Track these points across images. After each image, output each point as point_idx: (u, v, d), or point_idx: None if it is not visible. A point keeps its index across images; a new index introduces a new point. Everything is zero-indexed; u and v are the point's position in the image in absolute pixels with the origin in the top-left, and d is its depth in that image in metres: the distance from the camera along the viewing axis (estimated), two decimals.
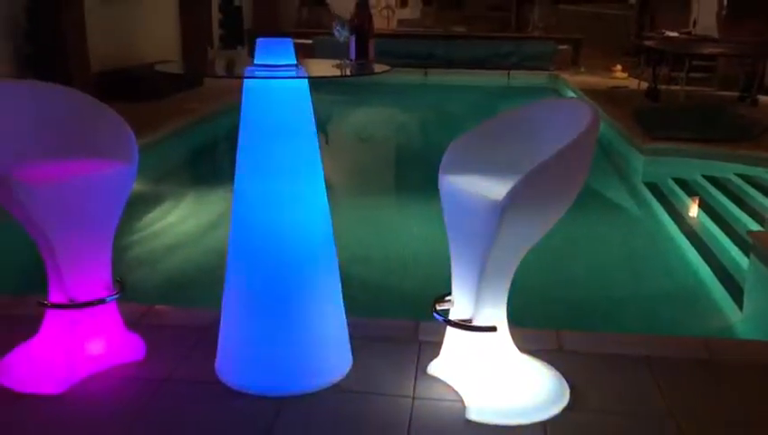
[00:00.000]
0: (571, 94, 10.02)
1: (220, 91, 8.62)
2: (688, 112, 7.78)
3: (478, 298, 2.08)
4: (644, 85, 9.41)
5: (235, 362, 2.26)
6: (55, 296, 2.22)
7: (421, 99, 11.23)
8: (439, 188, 2.18)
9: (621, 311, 3.59)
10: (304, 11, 13.69)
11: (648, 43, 9.53)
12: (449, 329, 2.26)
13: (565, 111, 2.14)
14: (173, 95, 8.39)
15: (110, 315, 2.33)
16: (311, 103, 2.15)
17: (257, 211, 2.15)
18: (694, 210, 5.19)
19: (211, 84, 9.14)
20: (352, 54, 2.18)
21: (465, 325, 2.13)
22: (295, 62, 2.09)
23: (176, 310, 2.79)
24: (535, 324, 2.69)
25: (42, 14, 6.68)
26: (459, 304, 2.19)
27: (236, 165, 2.16)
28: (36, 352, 2.27)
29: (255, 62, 2.07)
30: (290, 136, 2.11)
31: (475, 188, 2.06)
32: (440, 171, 2.18)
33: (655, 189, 5.67)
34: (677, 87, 8.71)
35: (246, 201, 2.16)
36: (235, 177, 2.17)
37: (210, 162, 7.51)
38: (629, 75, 10.95)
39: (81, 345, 2.24)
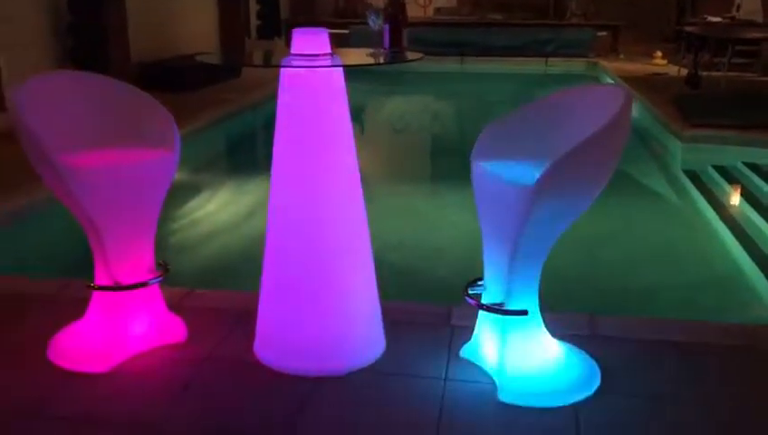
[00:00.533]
0: (610, 81, 9.89)
1: (257, 82, 8.73)
2: (729, 99, 7.63)
3: (510, 282, 2.11)
4: (684, 72, 9.24)
5: (272, 343, 2.33)
6: (101, 279, 2.32)
7: (458, 87, 11.19)
8: (471, 173, 2.21)
9: (660, 298, 3.57)
10: (341, 1, 13.74)
11: (688, 28, 9.35)
12: (481, 313, 2.30)
13: (598, 96, 2.15)
14: (211, 86, 8.52)
15: (154, 298, 2.42)
16: (345, 91, 2.20)
17: (293, 197, 2.21)
18: (734, 198, 5.11)
19: (248, 75, 9.26)
20: (386, 43, 2.22)
21: (496, 309, 2.16)
22: (330, 51, 2.14)
23: (215, 293, 2.87)
24: (573, 309, 2.71)
25: (84, 8, 6.85)
26: (491, 288, 2.22)
27: (273, 152, 2.22)
28: (84, 332, 2.37)
29: (292, 51, 2.13)
30: (325, 124, 2.17)
31: (507, 173, 2.09)
32: (472, 157, 2.21)
33: (694, 177, 5.60)
34: (719, 73, 8.53)
35: (283, 188, 2.22)
36: (272, 164, 2.23)
37: (248, 151, 7.63)
38: (669, 62, 10.76)
39: (125, 326, 2.33)
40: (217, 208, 5.23)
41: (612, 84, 2.06)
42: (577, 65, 11.82)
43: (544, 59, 12.03)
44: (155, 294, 2.43)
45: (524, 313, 2.12)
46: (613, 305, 3.35)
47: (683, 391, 2.19)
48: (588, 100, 2.17)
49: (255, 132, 8.17)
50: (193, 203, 5.16)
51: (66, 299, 2.76)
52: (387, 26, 2.20)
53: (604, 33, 12.52)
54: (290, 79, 2.13)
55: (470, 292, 2.26)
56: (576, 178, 1.96)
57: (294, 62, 2.09)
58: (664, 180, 6.02)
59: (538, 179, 1.92)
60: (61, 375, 2.25)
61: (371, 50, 2.29)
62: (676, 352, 2.40)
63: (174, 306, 2.58)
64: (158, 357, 2.36)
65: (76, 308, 2.53)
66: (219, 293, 2.88)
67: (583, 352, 2.33)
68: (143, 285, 2.33)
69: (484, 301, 2.23)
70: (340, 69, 2.15)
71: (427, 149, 7.92)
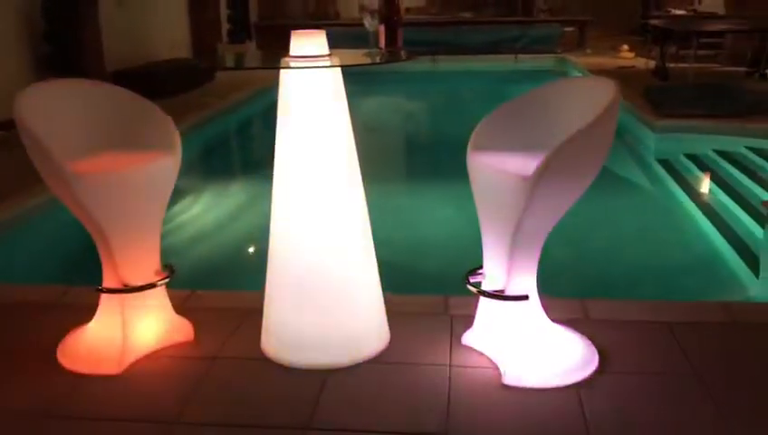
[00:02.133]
0: (578, 75, 10.08)
1: (231, 86, 8.76)
2: (697, 89, 7.85)
3: (510, 269, 2.20)
4: (651, 64, 9.46)
5: (279, 338, 2.39)
6: (109, 282, 2.36)
7: (431, 85, 11.31)
8: (468, 165, 2.29)
9: (641, 283, 3.70)
10: (311, 3, 13.76)
11: (654, 22, 9.57)
12: (482, 300, 2.38)
13: (587, 88, 2.26)
14: (187, 92, 8.50)
15: (160, 299, 2.47)
16: (344, 91, 2.26)
17: (296, 196, 2.27)
18: (707, 184, 5.29)
19: (222, 80, 9.27)
20: (381, 43, 2.30)
21: (498, 295, 2.25)
22: (329, 52, 2.21)
23: (216, 294, 2.92)
24: (558, 295, 2.80)
25: (58, 16, 6.82)
26: (491, 276, 2.31)
27: (276, 151, 2.28)
28: (94, 335, 2.41)
29: (291, 53, 2.19)
30: (325, 123, 2.23)
31: (504, 164, 2.17)
32: (469, 149, 2.29)
33: (667, 165, 5.77)
34: (686, 65, 8.76)
35: (285, 186, 2.28)
36: (275, 162, 2.29)
37: (232, 152, 7.69)
38: (637, 55, 10.99)
39: (135, 328, 2.37)
40: (207, 209, 5.26)
41: (601, 77, 2.16)
42: (546, 61, 12.02)
43: (514, 55, 12.20)
44: (162, 295, 2.47)
45: (525, 298, 2.21)
46: (597, 290, 3.46)
47: (676, 367, 2.29)
48: (578, 91, 2.27)
49: (238, 133, 8.24)
50: (183, 206, 5.17)
51: (67, 305, 2.79)
52: (382, 27, 2.27)
53: (571, 29, 12.75)
54: (290, 80, 2.20)
55: (471, 280, 2.34)
56: (572, 167, 2.05)
57: (294, 64, 2.15)
58: (639, 170, 6.19)
59: (535, 170, 2.01)
60: (74, 378, 2.29)
61: (368, 50, 2.36)
62: (666, 331, 2.51)
63: (177, 308, 2.62)
64: (169, 357, 2.41)
65: (78, 313, 2.57)
66: (220, 293, 2.92)
67: (579, 334, 2.43)
68: (151, 286, 2.37)
69: (484, 288, 2.32)
70: (339, 69, 2.22)
71: (405, 146, 8.00)
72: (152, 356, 2.40)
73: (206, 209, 5.28)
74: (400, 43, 2.29)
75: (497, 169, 2.17)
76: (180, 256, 4.18)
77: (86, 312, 2.52)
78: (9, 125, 5.84)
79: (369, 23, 2.26)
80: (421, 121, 9.40)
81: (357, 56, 2.30)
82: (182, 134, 2.41)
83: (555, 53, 12.21)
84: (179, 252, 4.29)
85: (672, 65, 8.88)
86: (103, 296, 2.40)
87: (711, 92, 7.47)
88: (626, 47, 11.35)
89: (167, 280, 2.43)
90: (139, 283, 2.36)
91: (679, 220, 4.83)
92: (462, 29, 12.77)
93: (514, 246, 2.15)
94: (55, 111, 2.31)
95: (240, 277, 3.77)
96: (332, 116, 2.22)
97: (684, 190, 5.18)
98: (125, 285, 2.33)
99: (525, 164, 2.11)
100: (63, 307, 2.79)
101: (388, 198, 5.34)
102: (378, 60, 2.28)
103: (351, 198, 2.31)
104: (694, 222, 4.66)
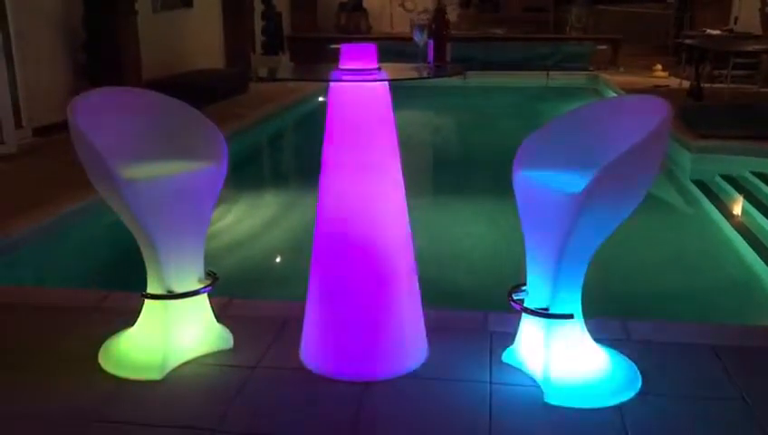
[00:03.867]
0: (612, 94, 10.01)
1: (264, 97, 8.83)
2: (734, 110, 7.75)
3: (555, 287, 2.18)
4: (685, 84, 9.36)
5: (320, 350, 2.39)
6: (153, 288, 2.38)
7: (462, 101, 11.29)
8: (513, 183, 2.29)
9: (677, 304, 3.64)
10: (343, 16, 13.83)
11: (688, 41, 9.48)
12: (524, 317, 2.37)
13: (634, 107, 2.24)
14: (220, 102, 8.59)
15: (202, 306, 2.48)
16: (391, 104, 2.27)
17: (342, 208, 2.28)
18: (745, 206, 5.20)
19: (254, 91, 9.36)
20: (430, 57, 2.30)
21: (542, 313, 2.23)
22: (377, 66, 2.22)
23: (254, 302, 2.93)
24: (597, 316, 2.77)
25: (97, 26, 6.95)
26: (534, 293, 2.29)
27: (322, 162, 2.29)
28: (136, 340, 2.43)
29: (341, 66, 2.21)
30: (372, 135, 2.24)
31: (551, 181, 2.16)
32: (514, 167, 2.29)
33: (703, 186, 5.70)
34: (721, 85, 8.66)
35: (331, 199, 2.29)
36: (321, 173, 2.30)
37: (264, 161, 7.76)
38: (670, 74, 10.89)
39: (177, 334, 2.39)
40: (242, 219, 5.28)
41: (650, 96, 2.14)
42: (578, 78, 11.94)
43: (545, 72, 12.15)
44: (204, 302, 2.49)
45: (570, 316, 2.19)
46: (631, 311, 3.41)
47: (721, 391, 2.25)
48: (625, 110, 2.26)
49: (270, 143, 8.33)
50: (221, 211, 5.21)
51: (108, 310, 2.83)
52: (431, 41, 2.28)
53: (604, 47, 12.67)
54: (340, 91, 2.21)
55: (514, 297, 2.32)
56: (622, 185, 2.04)
57: (345, 77, 2.17)
58: (674, 190, 6.11)
59: (587, 186, 1.99)
60: (115, 383, 2.31)
61: (416, 64, 2.36)
62: (710, 354, 2.46)
63: (217, 315, 2.63)
64: (209, 364, 2.42)
65: (119, 318, 2.61)
66: (259, 302, 2.94)
67: (622, 354, 2.40)
68: (195, 293, 2.39)
69: (528, 305, 2.30)
70: (387, 83, 2.23)
71: (436, 160, 7.99)
72: (193, 363, 2.42)
73: (240, 219, 5.31)
74: (448, 57, 2.29)
75: (544, 186, 2.16)
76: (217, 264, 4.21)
77: (127, 317, 2.55)
78: (48, 131, 5.96)
79: (419, 37, 2.26)
80: (450, 136, 9.38)
81: (406, 70, 2.31)
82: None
83: (587, 70, 12.14)
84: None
85: (706, 85, 8.79)
86: (146, 302, 2.42)
87: (749, 114, 7.38)
88: (659, 66, 11.26)
89: (210, 287, 2.45)
90: (183, 289, 2.38)
91: (715, 241, 4.76)
92: (493, 45, 12.74)
93: (560, 264, 2.14)
94: (107, 118, 2.35)
95: (276, 288, 3.79)
96: (381, 128, 2.23)
97: (720, 211, 5.10)
98: (169, 292, 2.35)
99: (573, 181, 2.09)
100: (105, 312, 2.82)
101: (422, 212, 5.34)
102: (427, 74, 2.28)
103: (396, 209, 2.32)
104: (730, 244, 4.59)
